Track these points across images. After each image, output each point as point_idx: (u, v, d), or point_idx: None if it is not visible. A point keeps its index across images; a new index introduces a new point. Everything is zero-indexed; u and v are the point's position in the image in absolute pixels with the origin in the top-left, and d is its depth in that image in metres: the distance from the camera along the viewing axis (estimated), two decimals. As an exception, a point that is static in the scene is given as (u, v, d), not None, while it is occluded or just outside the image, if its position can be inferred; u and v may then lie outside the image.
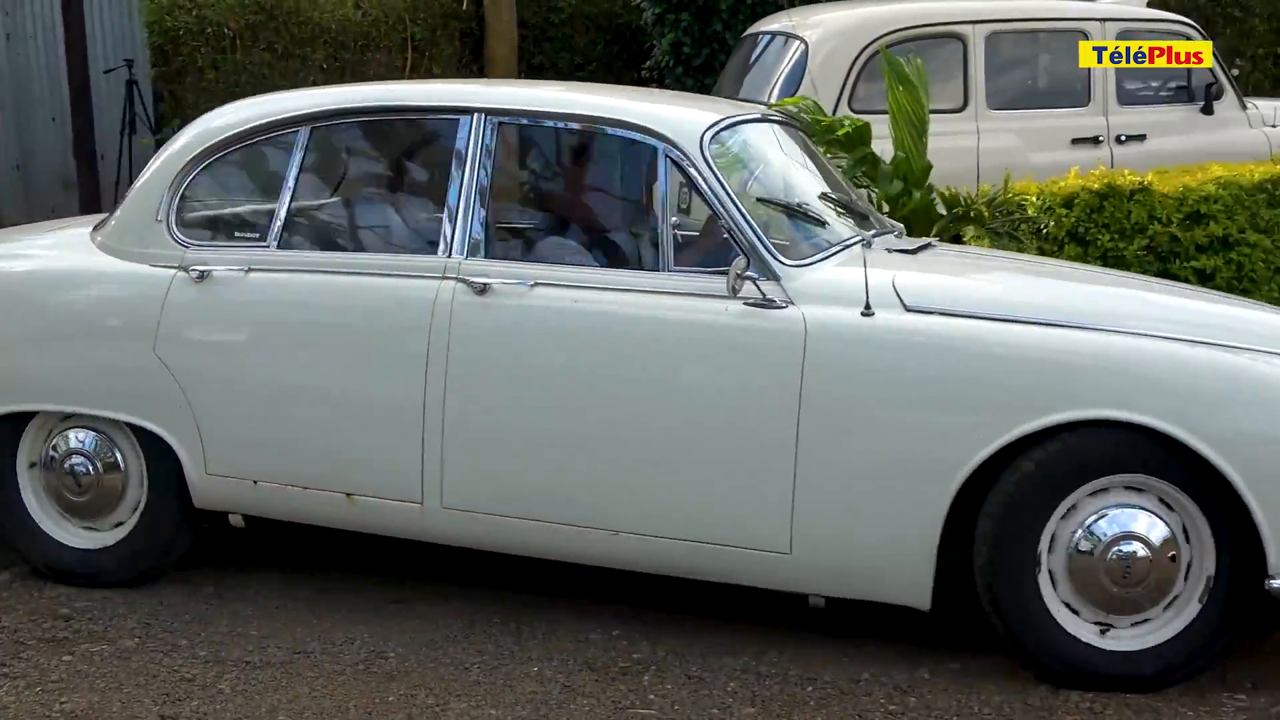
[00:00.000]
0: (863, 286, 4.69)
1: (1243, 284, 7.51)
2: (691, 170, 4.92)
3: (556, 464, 4.90)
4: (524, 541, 5.04)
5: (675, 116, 5.11)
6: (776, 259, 4.80)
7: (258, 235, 5.32)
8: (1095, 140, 9.76)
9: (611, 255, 5.36)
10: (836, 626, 5.11)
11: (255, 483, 5.26)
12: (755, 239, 4.83)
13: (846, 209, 5.44)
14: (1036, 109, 9.95)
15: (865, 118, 7.54)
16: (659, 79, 11.06)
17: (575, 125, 5.30)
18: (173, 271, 5.30)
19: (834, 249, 5.08)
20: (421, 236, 5.31)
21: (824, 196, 5.46)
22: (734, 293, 4.72)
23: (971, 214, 7.30)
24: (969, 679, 4.75)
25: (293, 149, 5.32)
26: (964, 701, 4.59)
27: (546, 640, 5.05)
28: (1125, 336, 4.56)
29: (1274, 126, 10.42)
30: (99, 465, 5.47)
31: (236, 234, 5.41)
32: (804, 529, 4.67)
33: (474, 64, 12.05)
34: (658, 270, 4.88)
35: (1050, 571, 4.57)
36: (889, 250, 5.28)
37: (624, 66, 12.36)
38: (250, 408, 5.21)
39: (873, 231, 5.40)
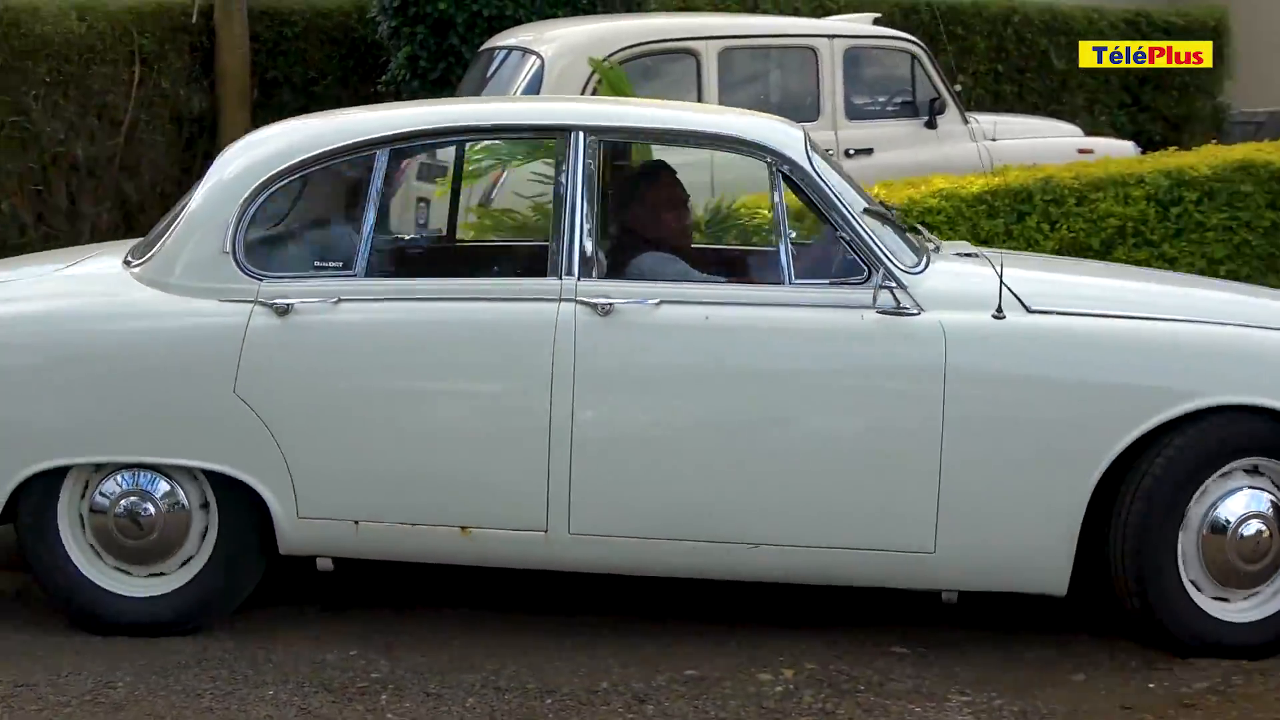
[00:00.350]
0: (984, 291, 4.82)
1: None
2: (804, 182, 4.94)
3: (694, 480, 4.83)
4: (660, 562, 4.94)
5: (776, 129, 5.10)
6: (899, 267, 4.87)
7: (341, 264, 4.97)
8: (825, 154, 10.00)
9: (726, 270, 5.29)
10: (574, 635, 5.13)
11: (356, 524, 4.92)
12: (877, 248, 4.87)
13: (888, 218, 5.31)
14: (769, 124, 10.17)
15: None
16: (395, 93, 10.98)
17: (679, 142, 5.25)
18: (249, 306, 4.89)
19: (928, 257, 5.14)
20: (524, 258, 5.11)
21: (881, 206, 5.42)
22: (874, 302, 4.78)
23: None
24: (705, 685, 4.81)
25: (372, 172, 5.00)
26: (700, 707, 4.64)
27: (282, 663, 4.92)
28: (1239, 328, 4.95)
29: (994, 140, 10.83)
30: (156, 511, 5.04)
31: (316, 263, 5.03)
32: (948, 528, 4.77)
33: (205, 78, 11.79)
34: (780, 284, 4.88)
35: (1184, 551, 4.81)
36: (960, 256, 5.39)
37: (359, 81, 12.23)
38: (351, 446, 4.88)
39: (929, 241, 5.51)
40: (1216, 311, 5.07)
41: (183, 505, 5.02)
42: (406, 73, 10.88)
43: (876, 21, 10.92)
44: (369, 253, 4.95)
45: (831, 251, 4.95)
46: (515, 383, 4.84)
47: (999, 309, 4.79)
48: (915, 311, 4.80)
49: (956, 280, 4.99)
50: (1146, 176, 8.34)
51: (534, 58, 9.33)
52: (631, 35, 9.45)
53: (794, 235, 4.96)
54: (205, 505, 5.04)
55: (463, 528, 4.90)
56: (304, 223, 5.37)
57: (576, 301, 4.82)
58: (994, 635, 5.19)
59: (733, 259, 5.40)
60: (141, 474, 5.00)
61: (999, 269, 4.89)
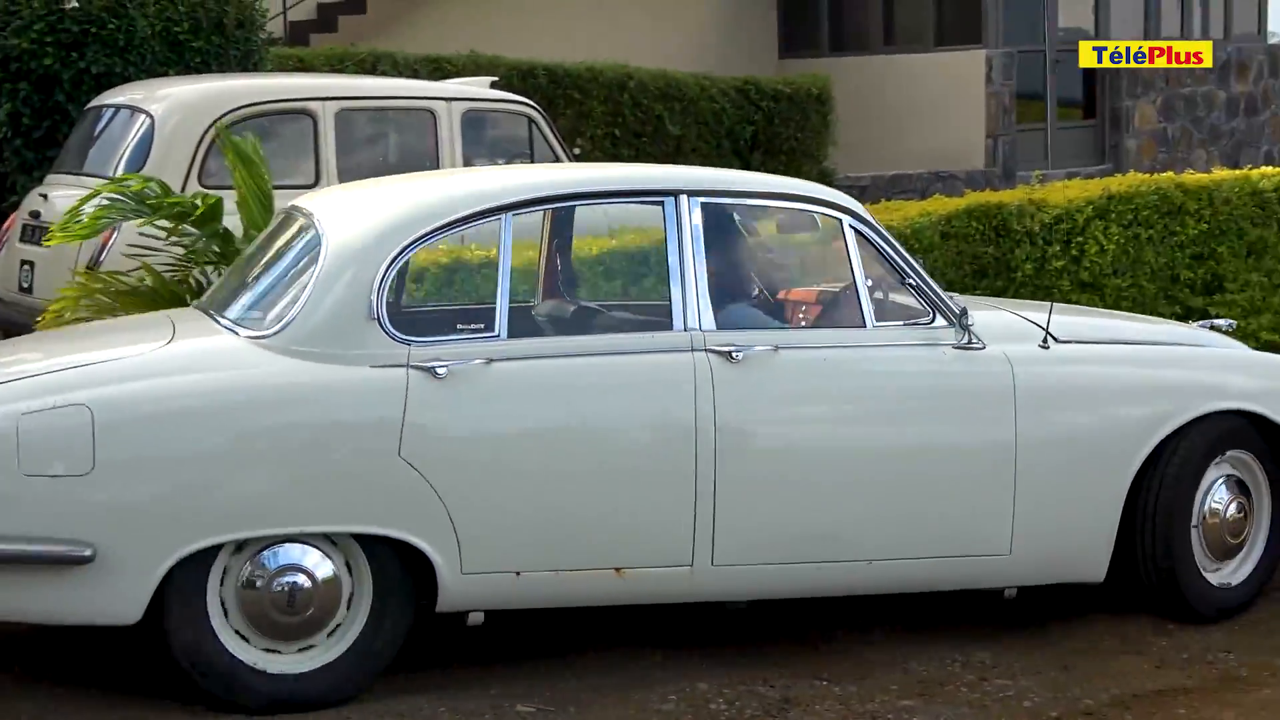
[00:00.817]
0: (1020, 327, 5.68)
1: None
2: (874, 237, 5.53)
3: (820, 507, 5.29)
4: (791, 585, 5.38)
5: (843, 195, 5.68)
6: (954, 310, 5.50)
7: (482, 325, 5.11)
8: None
9: (817, 317, 5.72)
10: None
11: (518, 574, 5.04)
12: (936, 293, 5.53)
13: None
14: (388, 185, 10.13)
15: (218, 193, 7.38)
16: (-3, 152, 10.48)
17: (768, 202, 5.76)
18: (403, 370, 4.93)
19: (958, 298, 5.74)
20: (648, 313, 5.51)
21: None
22: (952, 339, 5.44)
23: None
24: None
25: (500, 235, 5.14)
26: None
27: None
28: (1225, 350, 6.18)
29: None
30: (312, 583, 4.92)
31: (459, 326, 5.17)
32: (1022, 530, 5.44)
33: None
34: (863, 327, 5.40)
35: (1194, 534, 5.70)
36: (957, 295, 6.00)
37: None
38: (513, 500, 5.01)
39: None
40: (1185, 337, 6.25)
41: (334, 575, 4.96)
42: (8, 130, 10.39)
43: (494, 84, 11.02)
44: (508, 313, 5.09)
45: (886, 298, 5.57)
46: (661, 430, 5.16)
47: (1044, 340, 5.60)
48: (981, 345, 5.47)
49: (995, 318, 5.72)
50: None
51: (144, 116, 9.04)
52: (246, 95, 9.26)
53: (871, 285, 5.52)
54: (351, 573, 4.99)
55: (617, 569, 5.13)
56: (439, 285, 5.54)
57: (707, 351, 5.18)
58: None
59: (802, 304, 5.85)
60: (292, 547, 4.91)
61: (1012, 310, 5.80)
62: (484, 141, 10.47)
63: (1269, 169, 11.54)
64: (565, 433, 5.09)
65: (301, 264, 5.20)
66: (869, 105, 19.54)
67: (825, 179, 17.29)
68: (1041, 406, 5.48)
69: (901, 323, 5.50)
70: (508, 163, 10.53)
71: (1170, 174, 10.23)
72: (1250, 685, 5.13)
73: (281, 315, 5.04)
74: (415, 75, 13.74)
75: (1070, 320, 5.91)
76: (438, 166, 10.01)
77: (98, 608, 4.75)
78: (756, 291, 5.78)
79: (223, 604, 4.85)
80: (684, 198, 5.31)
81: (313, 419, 4.90)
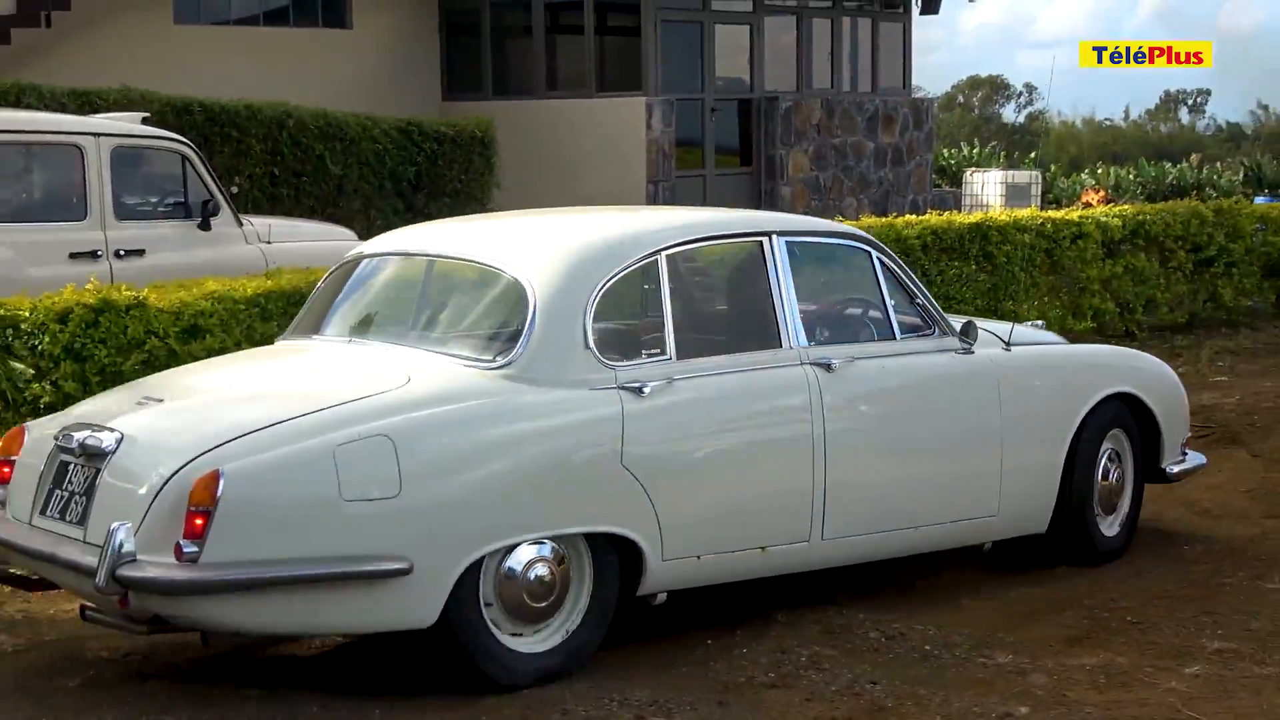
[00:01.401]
0: (984, 335, 6.83)
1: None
2: (894, 267, 6.73)
3: (887, 487, 6.44)
4: (871, 550, 6.51)
5: (869, 236, 6.91)
6: (948, 323, 6.78)
7: (657, 349, 5.91)
8: (94, 255, 9.66)
9: (862, 332, 6.68)
10: None
11: (698, 558, 5.89)
12: (937, 309, 6.82)
13: None
14: (33, 222, 9.74)
15: None
16: None
17: (826, 240, 6.81)
18: (615, 391, 5.71)
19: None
20: (760, 332, 6.29)
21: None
22: (957, 347, 6.71)
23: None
24: None
25: (658, 271, 5.98)
26: None
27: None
28: (1115, 349, 8.13)
29: (269, 243, 10.84)
30: (552, 574, 5.60)
31: (644, 350, 5.91)
32: (1005, 494, 6.77)
33: None
34: (894, 339, 6.60)
35: (1096, 492, 7.14)
36: None
37: None
38: (696, 495, 5.90)
39: None
40: (1051, 338, 7.86)
41: (566, 568, 5.65)
42: None
43: (146, 120, 10.69)
44: (675, 338, 5.92)
45: (893, 315, 6.66)
46: (790, 429, 6.18)
47: (1007, 346, 6.91)
48: (973, 350, 6.71)
49: (970, 329, 6.76)
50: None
51: None
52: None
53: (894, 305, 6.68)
54: (574, 565, 5.69)
55: (761, 548, 6.10)
56: (624, 315, 6.20)
57: (811, 364, 6.23)
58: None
59: (860, 323, 6.76)
60: (530, 546, 5.55)
61: (975, 322, 6.91)
62: (135, 178, 10.16)
63: (912, 217, 12.11)
64: (726, 437, 6.04)
65: (496, 302, 5.95)
66: (533, 149, 19.71)
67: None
68: (1013, 395, 6.82)
69: (916, 334, 6.69)
70: (160, 200, 10.27)
71: (821, 220, 10.55)
72: (894, 715, 5.32)
73: (504, 349, 5.69)
74: (63, 109, 13.24)
75: (1004, 328, 7.21)
76: (86, 204, 9.69)
77: (404, 615, 5.30)
78: (822, 311, 6.66)
79: (487, 598, 5.46)
80: (775, 237, 6.36)
81: (558, 437, 5.63)
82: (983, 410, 6.72)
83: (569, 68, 21.17)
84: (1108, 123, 74.34)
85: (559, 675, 5.57)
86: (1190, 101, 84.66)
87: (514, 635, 5.54)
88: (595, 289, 5.77)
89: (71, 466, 5.42)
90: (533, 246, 6.09)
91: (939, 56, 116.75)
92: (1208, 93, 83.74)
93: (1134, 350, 8.10)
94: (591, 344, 5.69)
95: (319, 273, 8.42)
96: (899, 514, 6.47)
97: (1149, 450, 7.36)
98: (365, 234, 14.56)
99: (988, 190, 24.19)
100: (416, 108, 18.95)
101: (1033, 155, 35.76)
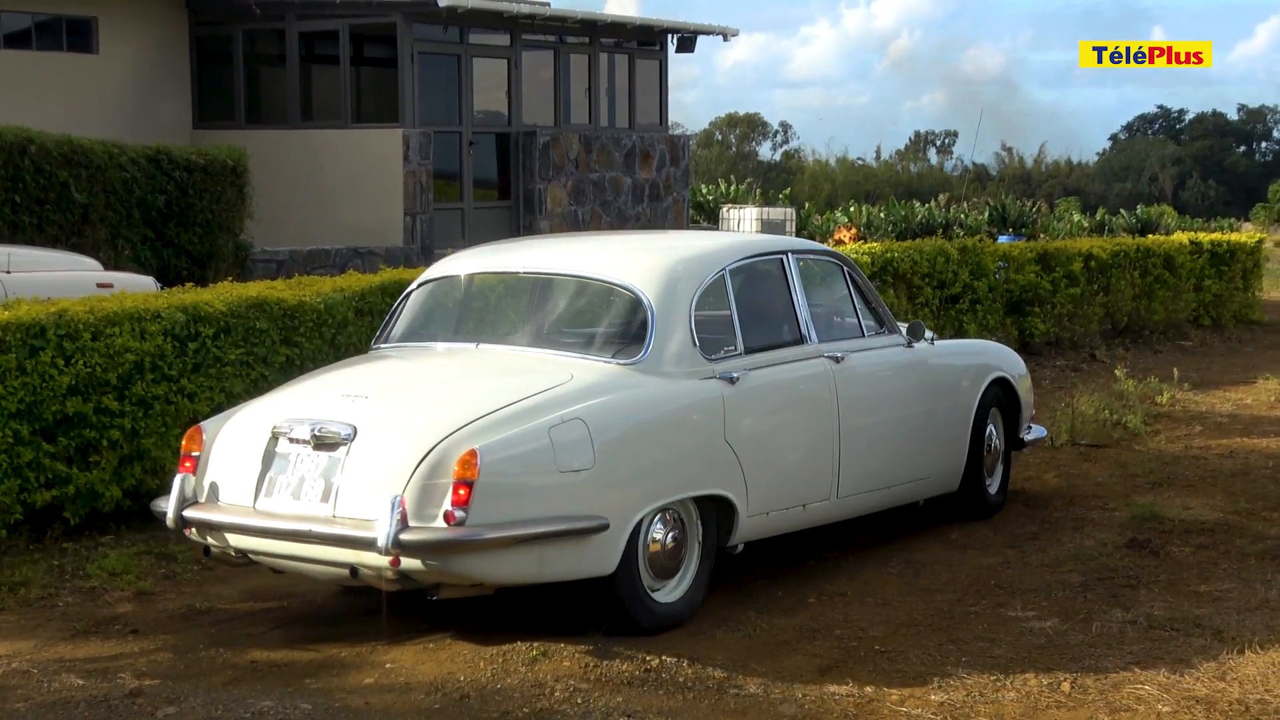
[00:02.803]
0: (914, 334, 8.40)
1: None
2: (860, 280, 8.29)
3: (876, 453, 7.93)
4: (863, 505, 7.94)
5: (839, 251, 9.25)
6: (896, 324, 8.39)
7: (731, 347, 7.21)
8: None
9: (844, 331, 8.06)
10: None
11: (767, 514, 7.20)
12: (887, 313, 8.39)
13: None
14: None
15: None
16: None
17: (816, 257, 8.27)
18: (714, 381, 7.01)
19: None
20: (790, 332, 7.66)
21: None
22: (907, 344, 8.33)
23: None
24: None
25: (725, 283, 7.34)
26: None
27: None
28: (991, 343, 10.18)
29: (9, 273, 10.46)
30: (682, 531, 6.81)
31: (723, 348, 7.17)
32: (936, 457, 8.45)
33: None
34: (864, 336, 8.09)
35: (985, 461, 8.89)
36: None
37: None
38: (768, 462, 7.20)
39: None
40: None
41: (686, 527, 6.83)
42: None
43: None
44: (742, 337, 7.26)
45: (859, 319, 8.17)
46: (820, 410, 7.59)
47: (931, 341, 8.59)
48: (911, 345, 8.34)
49: (917, 329, 8.43)
50: (163, 312, 8.32)
51: None
52: None
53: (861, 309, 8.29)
54: (688, 525, 6.88)
55: (803, 505, 7.46)
56: (707, 320, 7.20)
57: (827, 357, 7.68)
58: None
59: (840, 325, 8.08)
60: (667, 510, 6.74)
61: (920, 324, 8.62)
62: None
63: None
64: (783, 416, 7.45)
65: (617, 311, 7.13)
66: (288, 179, 19.40)
67: (241, 252, 17.01)
68: (939, 378, 8.55)
69: (876, 333, 8.17)
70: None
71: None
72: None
73: (635, 349, 6.89)
74: None
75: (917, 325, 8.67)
76: None
77: (598, 564, 6.38)
78: (818, 314, 7.90)
79: (640, 554, 6.55)
80: (789, 255, 7.86)
81: (685, 418, 6.92)
82: (924, 392, 8.38)
83: (325, 98, 20.91)
84: (860, 162, 76.43)
85: (679, 622, 6.66)
86: (939, 143, 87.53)
87: (652, 587, 6.63)
88: (692, 298, 7.09)
89: (294, 456, 6.32)
90: (640, 265, 7.31)
91: (697, 94, 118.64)
92: (955, 134, 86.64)
93: (1000, 344, 10.12)
94: (696, 343, 6.99)
95: (59, 304, 8.16)
96: (879, 476, 7.95)
97: (1010, 424, 9.12)
98: (112, 263, 14.18)
99: (744, 226, 24.58)
100: (167, 136, 18.49)
101: (787, 192, 36.51)
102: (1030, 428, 9.37)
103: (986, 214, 34.13)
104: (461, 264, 7.73)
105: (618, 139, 23.02)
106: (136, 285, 10.88)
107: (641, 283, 7.04)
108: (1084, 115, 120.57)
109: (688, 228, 24.34)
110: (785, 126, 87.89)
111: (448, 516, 5.94)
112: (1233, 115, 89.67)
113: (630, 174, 23.20)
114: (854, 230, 28.21)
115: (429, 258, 18.41)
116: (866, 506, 7.96)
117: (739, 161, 73.66)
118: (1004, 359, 9.27)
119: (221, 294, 8.90)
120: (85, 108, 18.56)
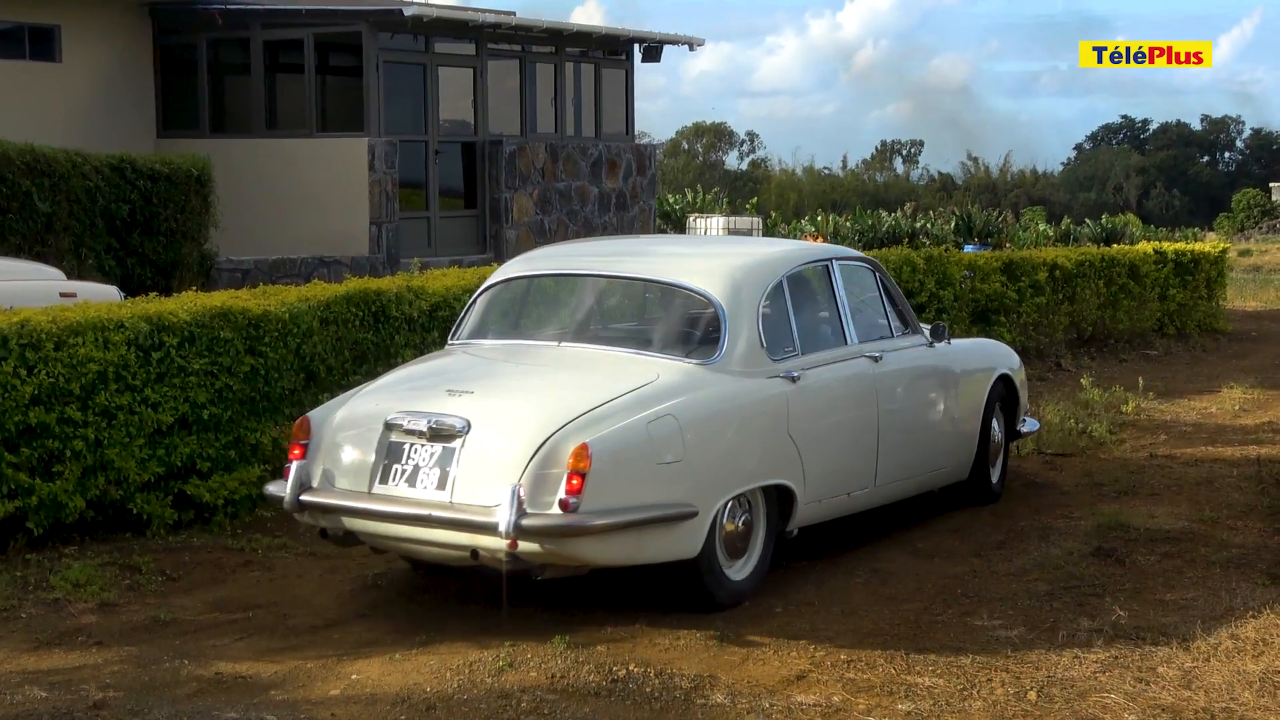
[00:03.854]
0: (932, 334, 9.05)
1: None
2: (888, 283, 8.90)
3: (905, 443, 8.53)
4: (893, 494, 8.55)
5: (870, 256, 9.81)
6: (919, 325, 9.06)
7: (790, 348, 7.76)
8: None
9: (878, 332, 8.62)
10: None
11: (820, 501, 7.75)
12: (911, 314, 9.04)
13: None
14: None
15: None
16: None
17: (851, 262, 8.74)
18: (779, 379, 7.57)
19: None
20: (835, 333, 8.27)
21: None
22: (929, 343, 8.97)
23: None
24: None
25: (784, 288, 7.88)
26: None
27: None
28: (995, 342, 10.92)
29: (-31, 283, 10.35)
30: (750, 515, 7.39)
31: (783, 348, 7.71)
32: (952, 450, 9.10)
33: None
34: (894, 336, 8.69)
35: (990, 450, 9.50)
36: None
37: None
38: (823, 454, 7.75)
39: None
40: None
41: (753, 512, 7.41)
42: None
43: None
44: (800, 336, 7.85)
45: (886, 320, 8.80)
46: (863, 406, 8.19)
47: (948, 340, 9.15)
48: (932, 344, 8.98)
49: (939, 330, 9.09)
50: (126, 321, 8.27)
51: None
52: None
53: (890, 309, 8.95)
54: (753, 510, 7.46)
55: (848, 493, 8.06)
56: (769, 322, 7.69)
57: (867, 357, 8.29)
58: None
59: (860, 323, 8.47)
60: (740, 498, 7.30)
61: (943, 325, 9.27)
62: None
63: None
64: (834, 410, 7.98)
65: (691, 313, 7.70)
66: (253, 188, 19.31)
67: (206, 261, 16.93)
68: (956, 375, 9.14)
69: (901, 332, 8.78)
70: None
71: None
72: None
73: (710, 349, 7.44)
74: None
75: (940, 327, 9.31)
76: None
77: (686, 547, 6.90)
78: (855, 315, 8.44)
79: (718, 537, 7.12)
80: (834, 261, 8.47)
81: (755, 414, 7.46)
82: (944, 389, 9.03)
83: (290, 107, 20.82)
84: (826, 171, 76.64)
85: (746, 598, 7.23)
86: (904, 152, 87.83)
87: (725, 567, 7.17)
88: (758, 302, 7.64)
89: (409, 445, 6.78)
90: (712, 271, 7.80)
91: (663, 103, 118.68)
92: (920, 144, 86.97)
93: (1000, 342, 10.94)
94: (763, 344, 7.54)
95: (21, 314, 8.10)
96: (909, 466, 8.59)
97: (1009, 417, 9.79)
98: (76, 273, 14.09)
99: (711, 235, 24.60)
100: (131, 144, 18.37)
101: (754, 201, 36.57)
102: (1025, 420, 10.04)
103: (952, 223, 34.27)
104: (534, 265, 8.32)
105: (584, 148, 23.01)
106: (100, 295, 10.82)
107: (715, 288, 7.60)
108: (1047, 125, 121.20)
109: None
110: (752, 136, 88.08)
111: (562, 504, 6.43)
112: (1196, 125, 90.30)
113: (597, 183, 23.19)
114: (820, 239, 28.27)
115: (394, 267, 18.37)
116: (898, 494, 8.62)
117: (706, 171, 73.77)
118: (1007, 357, 9.99)
119: (186, 303, 8.85)
120: (48, 116, 18.44)
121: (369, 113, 19.74)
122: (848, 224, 33.19)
